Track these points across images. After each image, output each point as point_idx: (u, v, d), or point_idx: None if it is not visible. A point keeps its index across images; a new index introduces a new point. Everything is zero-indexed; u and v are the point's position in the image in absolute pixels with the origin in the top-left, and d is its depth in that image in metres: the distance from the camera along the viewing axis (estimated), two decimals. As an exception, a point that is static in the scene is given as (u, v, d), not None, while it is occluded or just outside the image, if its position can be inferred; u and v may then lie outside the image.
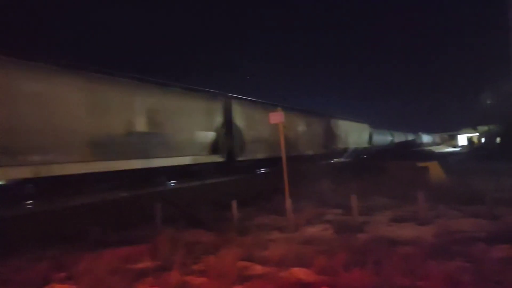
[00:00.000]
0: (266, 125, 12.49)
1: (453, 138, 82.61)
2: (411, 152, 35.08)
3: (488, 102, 34.13)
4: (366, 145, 36.23)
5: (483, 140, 45.66)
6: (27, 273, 5.47)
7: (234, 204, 8.62)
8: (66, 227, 7.92)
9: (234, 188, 12.81)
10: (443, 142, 78.96)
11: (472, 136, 62.05)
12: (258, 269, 5.50)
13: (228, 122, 15.43)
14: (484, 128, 40.77)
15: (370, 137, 37.26)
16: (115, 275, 5.12)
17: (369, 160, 24.02)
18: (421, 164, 14.45)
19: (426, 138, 67.67)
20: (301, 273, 5.19)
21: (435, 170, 14.32)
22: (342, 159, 27.79)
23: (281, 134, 9.06)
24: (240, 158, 15.85)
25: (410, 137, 52.71)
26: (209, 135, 14.23)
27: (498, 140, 35.18)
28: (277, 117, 8.98)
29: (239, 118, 16.21)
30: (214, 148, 14.31)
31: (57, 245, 6.91)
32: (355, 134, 32.77)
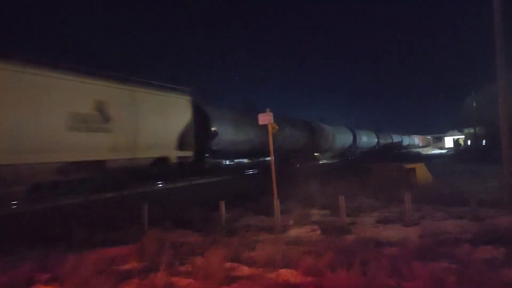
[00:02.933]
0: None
1: (440, 140, 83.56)
2: (398, 154, 35.50)
3: (474, 104, 34.57)
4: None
5: (469, 142, 46.36)
6: (11, 274, 5.38)
7: (222, 204, 8.59)
8: (51, 227, 7.83)
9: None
10: (426, 144, 78.16)
11: (458, 138, 62.96)
12: (245, 270, 5.49)
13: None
14: (470, 130, 41.29)
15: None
16: (101, 276, 5.06)
17: (357, 162, 24.24)
18: (407, 166, 14.58)
19: (413, 140, 67.70)
20: (288, 274, 5.20)
21: (421, 172, 14.47)
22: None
23: (270, 134, 9.07)
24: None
25: (397, 138, 53.51)
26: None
27: (483, 142, 35.72)
28: (266, 118, 8.98)
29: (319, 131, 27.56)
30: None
31: (41, 245, 6.81)
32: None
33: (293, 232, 7.79)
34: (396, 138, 54.22)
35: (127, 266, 5.82)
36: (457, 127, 57.39)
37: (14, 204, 8.91)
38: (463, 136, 55.92)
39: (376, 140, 44.40)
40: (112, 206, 9.30)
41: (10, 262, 5.95)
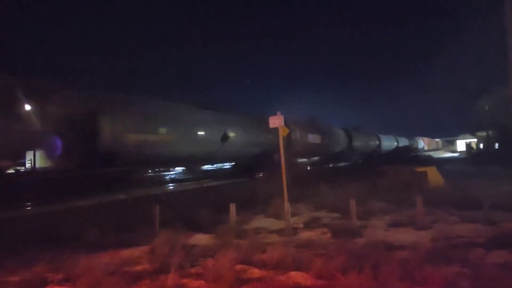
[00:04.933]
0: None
1: (452, 143, 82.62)
2: (410, 157, 35.16)
3: (487, 108, 34.19)
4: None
5: (481, 145, 45.80)
6: (24, 274, 5.45)
7: (232, 206, 8.60)
8: (64, 229, 7.92)
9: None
10: (435, 148, 75.29)
11: (470, 142, 62.20)
12: (255, 272, 5.49)
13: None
14: (483, 133, 40.80)
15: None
16: (113, 277, 5.11)
17: (369, 165, 24.01)
18: (419, 169, 14.47)
19: (416, 143, 64.32)
20: (298, 276, 5.19)
21: (433, 175, 14.35)
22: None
23: (280, 137, 9.07)
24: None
25: (388, 141, 50.17)
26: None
27: (496, 145, 35.29)
28: (276, 120, 8.99)
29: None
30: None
31: (55, 246, 6.89)
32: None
33: (304, 235, 7.78)
34: (387, 141, 45.17)
35: (138, 268, 5.86)
36: (469, 131, 56.74)
37: (28, 206, 9.04)
38: (476, 140, 55.20)
39: (348, 141, 31.93)
40: (124, 208, 9.37)
41: (24, 262, 6.03)
